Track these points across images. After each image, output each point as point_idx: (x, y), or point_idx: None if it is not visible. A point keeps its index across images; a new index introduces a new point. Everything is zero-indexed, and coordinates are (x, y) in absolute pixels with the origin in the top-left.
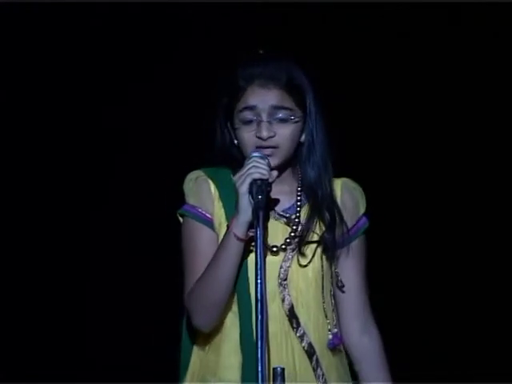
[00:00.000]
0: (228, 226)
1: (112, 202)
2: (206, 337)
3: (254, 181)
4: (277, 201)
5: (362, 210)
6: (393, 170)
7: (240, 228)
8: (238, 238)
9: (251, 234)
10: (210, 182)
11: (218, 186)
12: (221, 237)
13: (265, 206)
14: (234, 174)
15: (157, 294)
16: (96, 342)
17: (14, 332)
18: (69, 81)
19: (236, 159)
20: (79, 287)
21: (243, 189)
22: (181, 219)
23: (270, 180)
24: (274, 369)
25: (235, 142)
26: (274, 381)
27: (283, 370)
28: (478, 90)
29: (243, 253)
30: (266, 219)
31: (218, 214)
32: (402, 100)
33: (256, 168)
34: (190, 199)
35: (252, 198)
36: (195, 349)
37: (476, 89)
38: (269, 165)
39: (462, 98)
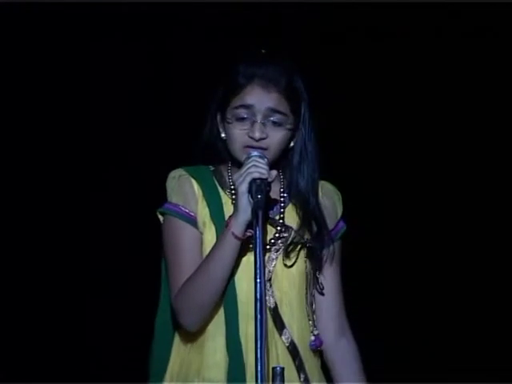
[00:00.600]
0: (227, 225)
1: (109, 202)
2: (187, 336)
3: (254, 180)
4: (277, 203)
5: (340, 213)
6: (373, 174)
7: (239, 227)
8: (236, 237)
9: (249, 233)
10: (193, 181)
11: (201, 185)
12: (205, 236)
13: (264, 205)
14: (214, 171)
15: (156, 294)
16: (96, 343)
17: (14, 333)
18: (64, 79)
19: (219, 154)
20: (79, 287)
21: (243, 188)
22: (161, 218)
23: (270, 179)
24: (273, 368)
25: (222, 135)
26: (273, 380)
27: (283, 369)
28: (470, 93)
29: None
30: (265, 219)
31: (202, 213)
32: (387, 103)
33: (255, 167)
34: (173, 198)
35: (251, 197)
36: (175, 348)
37: (468, 92)
38: (268, 164)
39: (452, 102)
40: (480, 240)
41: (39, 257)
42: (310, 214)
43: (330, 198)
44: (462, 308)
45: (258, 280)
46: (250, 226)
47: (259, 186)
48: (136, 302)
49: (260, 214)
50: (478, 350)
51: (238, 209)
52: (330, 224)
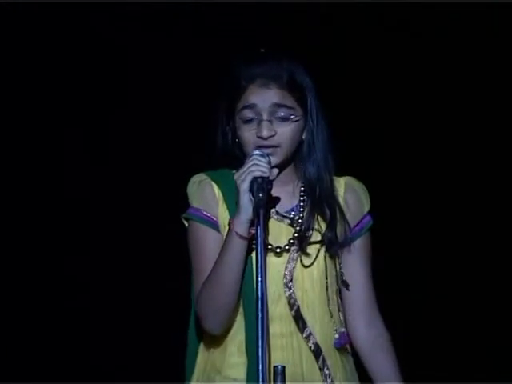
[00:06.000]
0: (230, 225)
1: (116, 206)
2: (212, 338)
3: (255, 179)
4: (279, 201)
5: (367, 208)
6: (397, 169)
7: (241, 226)
8: (241, 237)
9: (253, 231)
10: (214, 185)
11: (221, 189)
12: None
13: (266, 204)
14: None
15: (159, 296)
16: (99, 344)
17: (15, 334)
18: (68, 82)
19: (237, 158)
20: (82, 290)
21: (244, 187)
22: (185, 223)
23: (271, 178)
24: (274, 367)
25: (236, 141)
26: (274, 380)
27: (284, 368)
28: (481, 89)
29: (248, 253)
30: (268, 218)
31: (223, 216)
32: (404, 98)
33: (257, 166)
34: (194, 202)
35: (253, 196)
36: (201, 350)
37: (479, 88)
38: (269, 162)
39: (464, 97)
40: (499, 236)
41: (54, 260)
42: (320, 202)
43: (353, 194)
44: (465, 307)
45: (260, 279)
46: (253, 224)
47: (260, 185)
48: (141, 305)
49: (261, 212)
50: (479, 350)
51: (240, 208)
52: (353, 220)
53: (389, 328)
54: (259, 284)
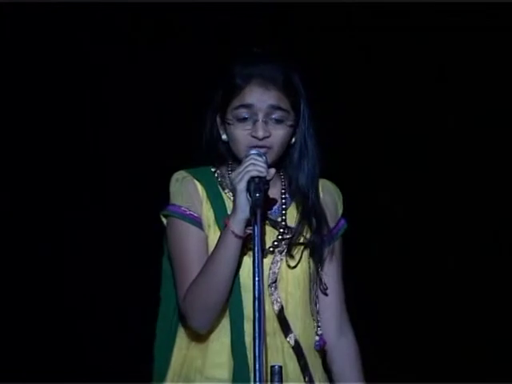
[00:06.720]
0: (225, 224)
1: (113, 205)
2: (189, 335)
3: (252, 178)
4: (276, 202)
5: (341, 211)
6: (372, 172)
7: (238, 225)
8: (236, 236)
9: (249, 231)
10: (197, 182)
11: (205, 187)
12: (210, 238)
13: (262, 203)
14: (216, 172)
15: (157, 296)
16: (96, 344)
17: (13, 334)
18: (62, 79)
19: (221, 155)
20: (80, 289)
21: (241, 186)
22: (164, 220)
23: (268, 178)
24: (271, 367)
25: (223, 137)
26: (271, 379)
27: (281, 367)
28: (472, 92)
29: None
30: (264, 219)
31: (207, 215)
32: (386, 102)
33: (254, 166)
34: (177, 200)
35: (250, 195)
36: (177, 347)
37: (470, 91)
38: (266, 162)
39: (449, 101)
40: (482, 240)
41: (41, 258)
42: (310, 209)
43: (330, 196)
44: (461, 308)
45: (257, 278)
46: (249, 224)
47: (257, 185)
48: (135, 304)
49: (258, 212)
50: (478, 350)
51: (237, 207)
52: (331, 222)
53: (361, 329)
54: (256, 284)
